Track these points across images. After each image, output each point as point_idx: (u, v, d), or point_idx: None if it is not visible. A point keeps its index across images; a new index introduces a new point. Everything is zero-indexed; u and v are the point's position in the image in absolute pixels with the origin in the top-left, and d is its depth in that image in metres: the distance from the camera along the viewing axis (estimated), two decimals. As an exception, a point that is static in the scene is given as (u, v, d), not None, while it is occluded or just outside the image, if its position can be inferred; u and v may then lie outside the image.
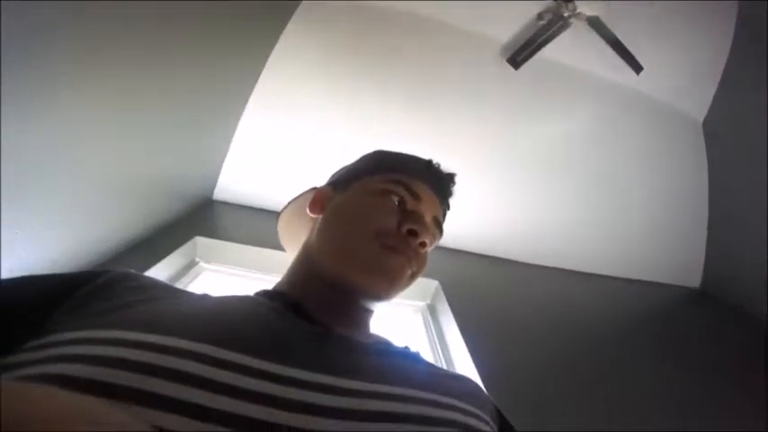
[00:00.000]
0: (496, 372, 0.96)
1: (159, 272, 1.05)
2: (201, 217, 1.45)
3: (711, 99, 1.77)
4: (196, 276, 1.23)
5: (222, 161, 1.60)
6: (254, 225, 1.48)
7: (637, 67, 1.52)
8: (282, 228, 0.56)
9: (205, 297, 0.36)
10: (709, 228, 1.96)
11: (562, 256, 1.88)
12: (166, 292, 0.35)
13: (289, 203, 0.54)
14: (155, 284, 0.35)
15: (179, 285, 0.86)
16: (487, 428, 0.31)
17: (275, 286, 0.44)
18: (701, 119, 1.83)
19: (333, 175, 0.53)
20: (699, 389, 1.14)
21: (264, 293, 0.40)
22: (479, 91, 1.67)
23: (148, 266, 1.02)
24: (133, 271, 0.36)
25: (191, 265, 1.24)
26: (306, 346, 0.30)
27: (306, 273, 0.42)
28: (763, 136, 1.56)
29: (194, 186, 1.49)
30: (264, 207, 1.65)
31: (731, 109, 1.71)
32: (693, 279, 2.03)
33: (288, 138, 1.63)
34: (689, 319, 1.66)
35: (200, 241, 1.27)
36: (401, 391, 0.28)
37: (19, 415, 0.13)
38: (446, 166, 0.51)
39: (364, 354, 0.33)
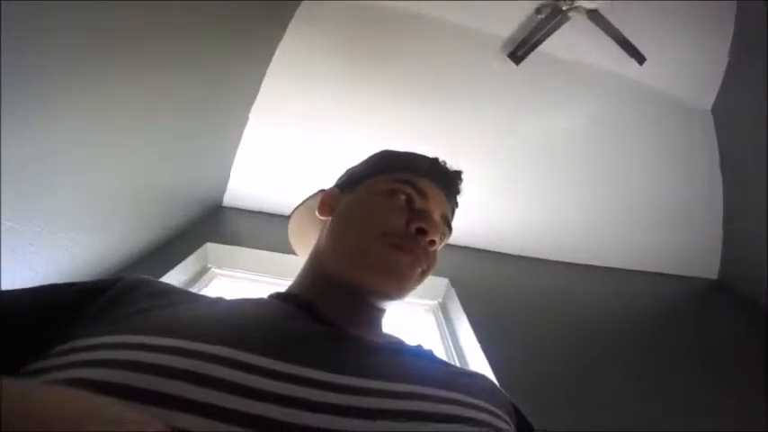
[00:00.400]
0: (511, 369, 0.95)
1: (173, 278, 1.07)
2: (212, 224, 1.47)
3: (719, 86, 1.73)
4: (209, 282, 1.25)
5: (230, 168, 1.62)
6: (263, 230, 1.50)
7: (640, 58, 1.50)
8: (293, 231, 0.56)
9: (219, 301, 0.37)
10: (725, 217, 1.91)
11: (574, 250, 1.86)
12: (181, 297, 0.35)
13: (297, 207, 0.54)
14: (170, 290, 0.36)
15: (193, 291, 0.88)
16: (504, 425, 0.31)
17: (287, 289, 0.44)
18: (709, 107, 1.80)
19: (340, 177, 0.53)
20: (718, 381, 1.12)
21: (277, 296, 0.40)
22: (483, 88, 1.66)
23: (162, 273, 1.04)
24: (148, 277, 0.37)
25: (203, 270, 1.26)
26: (319, 346, 0.31)
27: (317, 274, 0.43)
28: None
29: (204, 194, 1.51)
30: (273, 211, 1.66)
31: (740, 95, 1.67)
32: (711, 270, 1.99)
33: (293, 141, 1.64)
34: (707, 311, 1.63)
35: (212, 247, 1.29)
36: (416, 389, 0.28)
37: (35, 416, 0.13)
38: (453, 163, 0.51)
39: (377, 353, 0.33)
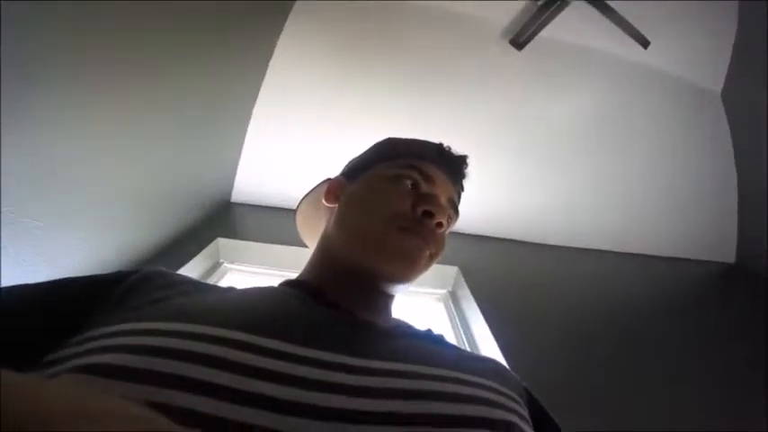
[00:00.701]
0: (523, 356, 0.95)
1: (186, 274, 1.09)
2: (222, 220, 1.49)
3: (727, 68, 1.68)
4: (222, 276, 1.27)
5: (236, 164, 1.63)
6: (272, 223, 1.51)
7: (643, 42, 1.47)
8: (300, 221, 0.56)
9: (232, 289, 0.38)
10: (740, 200, 1.87)
11: (586, 236, 1.85)
12: (196, 287, 0.36)
13: (304, 197, 0.55)
14: (185, 280, 0.37)
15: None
16: (517, 406, 0.31)
17: (298, 276, 0.45)
18: (718, 89, 1.75)
19: (346, 166, 0.53)
20: (737, 365, 1.10)
21: (287, 283, 0.41)
22: (487, 76, 1.64)
23: (175, 270, 1.06)
24: (165, 269, 0.38)
25: (215, 266, 1.28)
26: (331, 330, 0.31)
27: (326, 261, 0.43)
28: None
29: (212, 191, 1.53)
30: (281, 205, 1.67)
31: (749, 76, 1.62)
32: (728, 254, 1.94)
33: (298, 135, 1.64)
34: (726, 295, 1.59)
35: (223, 243, 1.30)
36: (426, 369, 0.29)
37: (32, 412, 0.12)
38: (459, 148, 0.50)
39: (387, 336, 0.34)
